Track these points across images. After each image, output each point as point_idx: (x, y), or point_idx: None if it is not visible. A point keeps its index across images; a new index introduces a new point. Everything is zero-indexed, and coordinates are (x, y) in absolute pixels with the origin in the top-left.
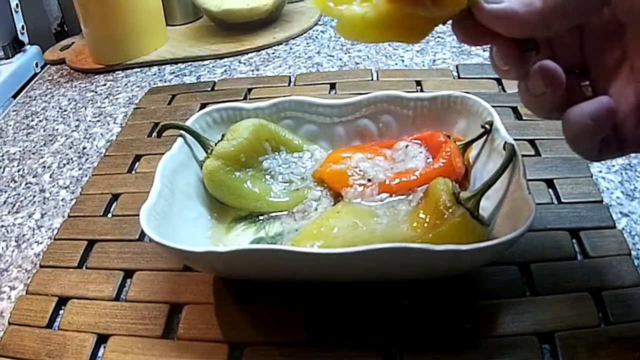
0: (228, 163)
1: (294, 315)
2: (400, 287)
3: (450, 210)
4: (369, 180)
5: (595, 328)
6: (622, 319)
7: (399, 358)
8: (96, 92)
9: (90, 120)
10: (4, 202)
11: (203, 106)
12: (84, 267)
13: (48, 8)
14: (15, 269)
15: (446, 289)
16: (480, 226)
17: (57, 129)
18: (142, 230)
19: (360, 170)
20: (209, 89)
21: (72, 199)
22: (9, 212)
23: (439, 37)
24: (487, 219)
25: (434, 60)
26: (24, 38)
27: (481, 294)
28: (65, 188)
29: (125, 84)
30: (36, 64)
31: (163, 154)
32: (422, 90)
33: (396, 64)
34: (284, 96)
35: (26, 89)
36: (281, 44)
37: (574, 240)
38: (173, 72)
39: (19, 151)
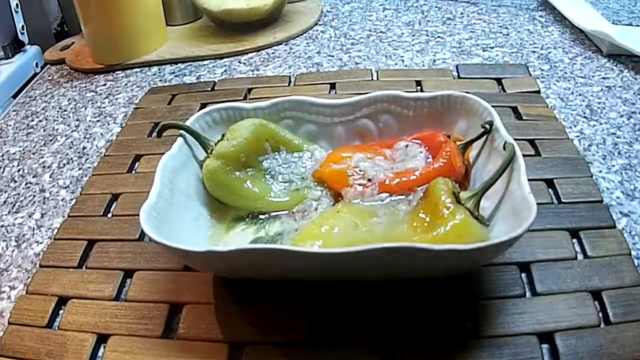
0: (228, 163)
1: (294, 315)
2: (400, 287)
3: (450, 210)
4: (369, 180)
5: (595, 328)
6: (622, 319)
7: (399, 358)
8: (96, 92)
9: (90, 120)
10: (4, 202)
11: (203, 106)
12: (84, 267)
13: (48, 8)
14: (15, 269)
15: (446, 289)
16: (480, 226)
17: (57, 129)
18: (142, 230)
19: (360, 170)
20: (209, 89)
21: (72, 199)
22: (9, 212)
23: (439, 37)
24: (487, 219)
25: (434, 60)
26: (24, 38)
27: (481, 293)
28: (65, 188)
29: (125, 84)
30: (36, 64)
31: (163, 154)
32: (422, 90)
33: (396, 64)
34: (284, 96)
35: (26, 89)
36: (281, 44)
37: (574, 240)
38: (173, 72)
39: (19, 151)
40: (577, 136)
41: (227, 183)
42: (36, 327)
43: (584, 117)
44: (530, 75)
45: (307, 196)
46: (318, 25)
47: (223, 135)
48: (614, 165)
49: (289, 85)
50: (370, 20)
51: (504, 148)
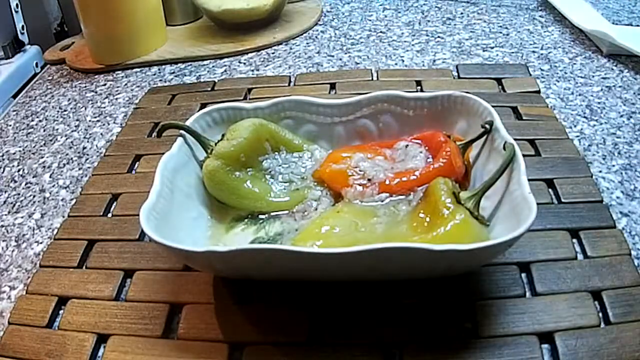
0: (228, 163)
1: (294, 315)
2: (400, 287)
3: (450, 210)
4: (369, 180)
5: (595, 328)
6: (622, 319)
7: (399, 358)
8: (96, 92)
9: (90, 120)
10: (4, 202)
11: (203, 106)
12: (84, 267)
13: (48, 8)
14: (15, 269)
15: (446, 289)
16: (480, 226)
17: (57, 129)
18: (142, 230)
19: (360, 170)
20: (209, 89)
21: (72, 199)
22: (9, 212)
23: (439, 37)
24: (487, 219)
25: (434, 60)
26: (24, 38)
27: (481, 293)
28: (65, 188)
29: (125, 84)
30: (36, 64)
31: (163, 154)
32: (422, 90)
33: (396, 64)
34: (284, 96)
35: (26, 89)
36: (281, 44)
37: (574, 240)
38: (173, 72)
39: (19, 151)
40: (577, 136)
41: (227, 183)
42: (36, 327)
43: (584, 117)
44: (530, 75)
45: (307, 196)
46: (318, 25)
47: (223, 135)
48: (614, 165)
49: (289, 85)
50: (370, 20)
51: (504, 148)
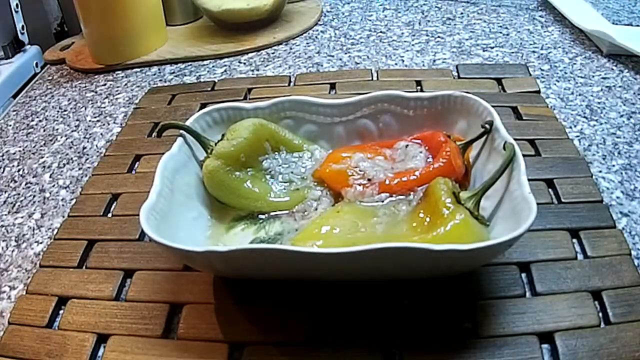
0: (228, 163)
1: (294, 315)
2: (400, 287)
3: (450, 210)
4: (369, 180)
5: (595, 328)
6: (622, 319)
7: (399, 358)
8: (96, 92)
9: (90, 120)
10: (4, 202)
11: (203, 106)
12: (84, 267)
13: (48, 8)
14: (15, 269)
15: (446, 289)
16: (480, 226)
17: (57, 129)
18: (142, 230)
19: (360, 170)
20: (209, 89)
21: (72, 199)
22: (9, 212)
23: (439, 37)
24: (487, 219)
25: (434, 60)
26: (24, 38)
27: (481, 293)
28: (65, 188)
29: (125, 84)
30: (36, 64)
31: (163, 153)
32: (422, 90)
33: (396, 64)
34: (284, 96)
35: (26, 89)
36: (281, 44)
37: (574, 240)
38: (173, 72)
39: (19, 151)
40: (577, 136)
41: (227, 183)
42: (36, 327)
43: (584, 117)
44: (530, 75)
45: (307, 196)
46: (318, 25)
47: (223, 135)
48: (614, 165)
49: (289, 85)
50: (370, 20)
51: (504, 148)
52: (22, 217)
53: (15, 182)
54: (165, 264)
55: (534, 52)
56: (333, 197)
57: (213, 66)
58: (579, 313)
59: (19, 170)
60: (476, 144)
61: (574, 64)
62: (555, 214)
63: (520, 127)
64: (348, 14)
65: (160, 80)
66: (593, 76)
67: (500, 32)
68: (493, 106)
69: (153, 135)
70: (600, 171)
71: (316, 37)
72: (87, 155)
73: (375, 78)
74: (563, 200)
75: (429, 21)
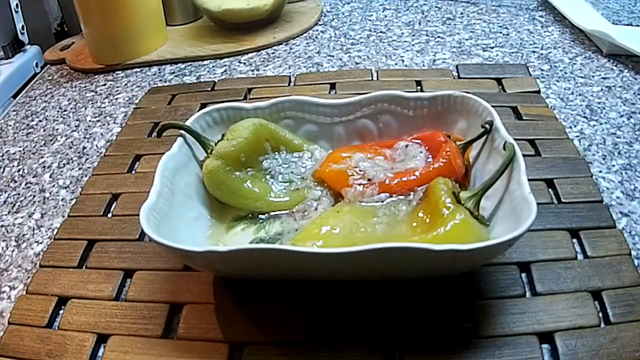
0: (228, 163)
1: (294, 315)
2: (400, 287)
3: (450, 210)
4: (369, 180)
5: (595, 328)
6: (622, 319)
7: (399, 358)
8: (96, 92)
9: (90, 120)
10: (4, 202)
11: (203, 106)
12: (84, 267)
13: (48, 8)
14: (15, 269)
15: (446, 289)
16: (480, 226)
17: (57, 129)
18: (142, 230)
19: (360, 170)
20: (209, 89)
21: (72, 199)
22: (9, 212)
23: (439, 37)
24: (487, 219)
25: (434, 60)
26: (24, 38)
27: (481, 293)
28: (65, 188)
29: (125, 84)
30: (36, 64)
31: (163, 153)
32: (422, 90)
33: (396, 64)
34: (284, 96)
35: (26, 89)
36: (281, 44)
37: (574, 240)
38: (173, 72)
39: (19, 151)
40: (577, 136)
41: (227, 183)
42: (36, 327)
43: (584, 117)
44: (530, 75)
45: (307, 196)
46: (318, 25)
47: (223, 135)
48: (614, 165)
49: (289, 85)
50: (370, 20)
51: (504, 148)
52: (22, 217)
53: (15, 182)
54: (165, 264)
55: (534, 52)
56: (333, 197)
57: (213, 66)
58: (579, 313)
59: (19, 170)
60: (476, 144)
61: (574, 64)
62: (555, 214)
63: (520, 127)
64: (348, 14)
65: (160, 80)
66: (593, 76)
67: (500, 32)
68: (493, 106)
69: (153, 135)
70: (600, 171)
71: (316, 37)
72: (87, 155)
73: (375, 78)
74: (563, 200)
75: (429, 21)
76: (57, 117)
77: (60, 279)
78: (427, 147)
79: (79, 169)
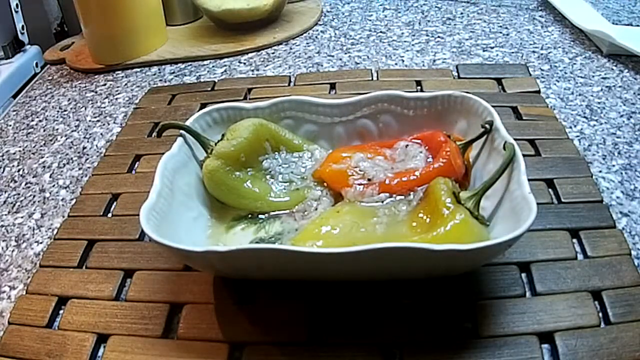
0: (228, 163)
1: (294, 315)
2: (400, 287)
3: (450, 210)
4: (369, 180)
5: (595, 328)
6: (622, 319)
7: (399, 358)
8: (96, 92)
9: (90, 120)
10: (4, 202)
11: (203, 106)
12: (83, 267)
13: (48, 8)
14: (15, 269)
15: (446, 289)
16: (480, 226)
17: (57, 129)
18: (142, 230)
19: (360, 170)
20: (209, 89)
21: (72, 199)
22: (9, 212)
23: (439, 37)
24: (487, 219)
25: (434, 60)
26: (24, 38)
27: (481, 293)
28: (65, 188)
29: (125, 84)
30: (36, 64)
31: (163, 153)
32: (422, 90)
33: (396, 64)
34: (284, 96)
35: (26, 89)
36: (281, 44)
37: (574, 240)
38: (173, 72)
39: (19, 151)
40: (577, 136)
41: (227, 183)
42: (36, 327)
43: (584, 117)
44: (530, 75)
45: (307, 196)
46: (318, 25)
47: (223, 135)
48: (614, 165)
49: (289, 85)
50: (370, 20)
51: (504, 148)
52: (22, 217)
53: (15, 182)
54: (165, 264)
55: (534, 52)
56: (333, 197)
57: (213, 66)
58: (579, 313)
59: (19, 170)
60: (476, 144)
61: (574, 64)
62: (555, 214)
63: (520, 127)
64: (348, 14)
65: (160, 80)
66: (593, 76)
67: (500, 32)
68: (493, 106)
69: (153, 135)
70: (600, 171)
71: (316, 37)
72: (87, 155)
73: (375, 78)
74: (563, 200)
75: (429, 21)
76: (57, 117)
77: (60, 279)
78: (427, 147)
79: (79, 169)
